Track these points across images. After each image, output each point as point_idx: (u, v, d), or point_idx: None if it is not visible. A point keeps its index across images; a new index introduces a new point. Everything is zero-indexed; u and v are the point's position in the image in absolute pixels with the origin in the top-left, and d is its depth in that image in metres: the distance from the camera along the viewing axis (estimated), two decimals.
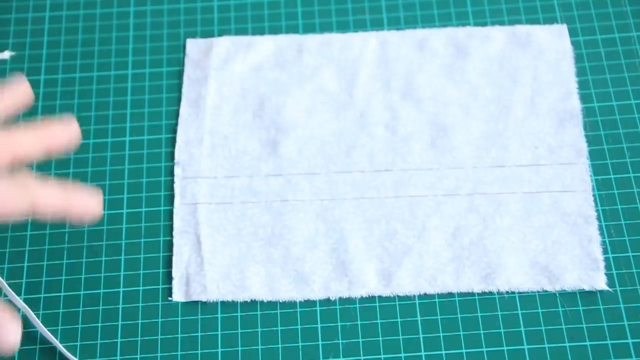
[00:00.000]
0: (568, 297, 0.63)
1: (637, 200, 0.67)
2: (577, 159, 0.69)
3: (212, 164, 0.69)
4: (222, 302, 0.64)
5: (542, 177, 0.68)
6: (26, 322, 0.63)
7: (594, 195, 0.67)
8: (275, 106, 0.72)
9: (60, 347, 0.61)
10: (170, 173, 0.69)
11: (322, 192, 0.68)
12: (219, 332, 0.63)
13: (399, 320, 0.63)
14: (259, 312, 0.64)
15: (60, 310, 0.64)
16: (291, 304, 0.64)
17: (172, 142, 0.71)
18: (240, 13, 0.77)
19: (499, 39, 0.75)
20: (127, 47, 0.76)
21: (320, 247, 0.66)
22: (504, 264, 0.64)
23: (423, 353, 0.61)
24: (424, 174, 0.68)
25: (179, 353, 0.62)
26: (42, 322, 0.63)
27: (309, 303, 0.64)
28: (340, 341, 0.62)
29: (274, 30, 0.76)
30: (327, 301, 0.64)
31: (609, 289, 0.63)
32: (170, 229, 0.67)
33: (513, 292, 0.63)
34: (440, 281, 0.64)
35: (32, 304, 0.64)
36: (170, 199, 0.68)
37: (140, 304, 0.64)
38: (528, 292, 0.63)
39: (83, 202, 0.54)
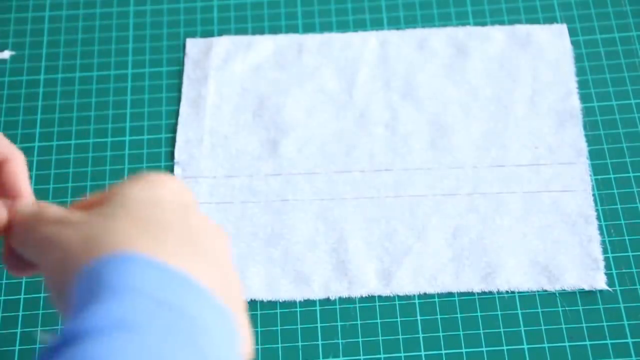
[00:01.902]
0: (568, 296, 0.63)
1: (637, 200, 0.67)
2: (577, 158, 0.68)
3: (212, 163, 0.69)
4: None
5: (542, 177, 0.68)
6: (27, 322, 0.63)
7: (593, 195, 0.67)
8: (275, 106, 0.72)
9: None
10: (170, 173, 0.69)
11: (322, 192, 0.68)
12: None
13: (398, 320, 0.63)
14: (258, 312, 0.64)
15: None
16: (291, 304, 0.64)
17: (172, 141, 0.71)
18: (240, 13, 0.77)
19: (499, 38, 0.74)
20: (127, 46, 0.76)
21: (320, 247, 0.65)
22: (503, 263, 0.64)
23: (423, 353, 0.61)
24: (424, 174, 0.68)
25: None
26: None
27: (308, 303, 0.64)
28: (340, 341, 0.62)
29: (274, 30, 0.76)
30: (326, 301, 0.64)
31: (609, 289, 0.63)
32: None
33: (513, 292, 0.63)
34: (440, 281, 0.64)
35: (32, 303, 0.64)
36: None
37: None
38: (528, 292, 0.63)
39: None
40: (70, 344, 0.29)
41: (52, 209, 0.39)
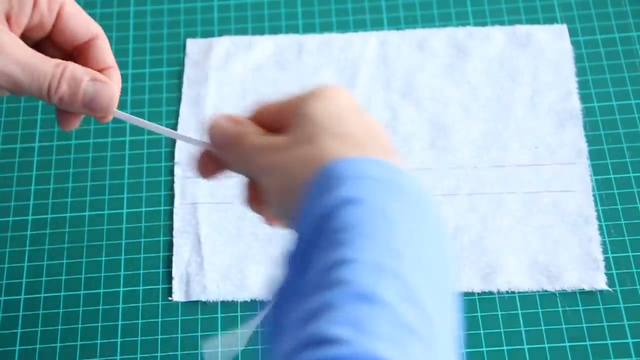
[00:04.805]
0: (568, 296, 0.63)
1: (637, 200, 0.67)
2: (577, 159, 0.68)
3: None
4: (222, 302, 0.64)
5: (542, 177, 0.68)
6: (27, 322, 0.63)
7: (594, 195, 0.67)
8: None
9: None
10: (170, 173, 0.69)
11: None
12: (219, 332, 0.63)
13: None
14: (258, 312, 0.63)
15: (60, 310, 0.64)
16: None
17: (172, 141, 0.71)
18: (240, 13, 0.77)
19: (499, 38, 0.74)
20: (127, 47, 0.76)
21: None
22: (503, 263, 0.64)
23: None
24: (424, 174, 0.68)
25: (179, 353, 0.62)
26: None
27: None
28: None
29: (274, 30, 0.76)
30: None
31: (609, 289, 0.63)
32: (170, 229, 0.67)
33: (513, 292, 0.63)
34: None
35: (32, 303, 0.64)
36: (170, 198, 0.68)
37: (140, 304, 0.64)
38: (528, 292, 0.63)
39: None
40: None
41: (252, 130, 0.45)
